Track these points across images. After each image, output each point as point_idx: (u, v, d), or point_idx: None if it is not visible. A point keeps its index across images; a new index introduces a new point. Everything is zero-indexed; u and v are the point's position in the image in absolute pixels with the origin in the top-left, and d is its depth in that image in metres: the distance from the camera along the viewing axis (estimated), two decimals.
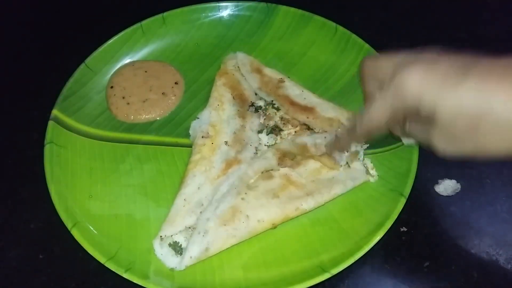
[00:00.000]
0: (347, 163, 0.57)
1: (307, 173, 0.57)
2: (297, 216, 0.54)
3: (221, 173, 0.57)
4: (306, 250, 0.53)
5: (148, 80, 0.69)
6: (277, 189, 0.55)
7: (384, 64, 0.45)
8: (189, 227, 0.54)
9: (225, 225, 0.52)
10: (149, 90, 0.68)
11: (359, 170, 0.57)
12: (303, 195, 0.55)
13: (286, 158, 0.58)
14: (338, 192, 0.56)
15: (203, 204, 0.55)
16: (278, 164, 0.57)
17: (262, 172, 0.57)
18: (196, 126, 0.62)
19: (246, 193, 0.54)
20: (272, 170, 0.57)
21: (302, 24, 0.73)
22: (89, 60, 0.69)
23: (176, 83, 0.69)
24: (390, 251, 0.55)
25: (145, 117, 0.66)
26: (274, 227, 0.54)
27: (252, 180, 0.56)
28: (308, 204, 0.54)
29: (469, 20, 0.79)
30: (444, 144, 0.42)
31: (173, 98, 0.68)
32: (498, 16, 0.80)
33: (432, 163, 0.61)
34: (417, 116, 0.42)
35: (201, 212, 0.54)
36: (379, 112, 0.44)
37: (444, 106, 0.39)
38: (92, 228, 0.54)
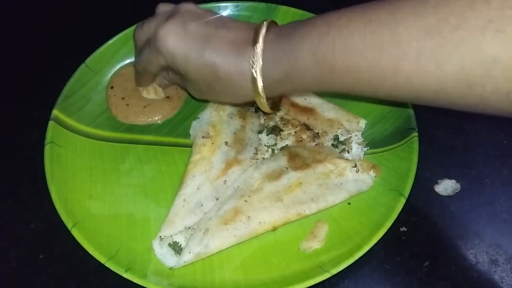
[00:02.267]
0: (355, 165, 0.57)
1: (316, 176, 0.57)
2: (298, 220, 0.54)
3: (221, 173, 0.57)
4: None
5: None
6: (282, 191, 0.55)
7: (147, 27, 0.55)
8: (189, 228, 0.54)
9: (226, 224, 0.52)
10: None
11: (366, 181, 0.57)
12: (307, 200, 0.54)
13: (297, 159, 0.58)
14: (342, 199, 0.56)
15: (203, 204, 0.55)
16: (288, 166, 0.57)
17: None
18: (197, 126, 0.62)
19: (249, 196, 0.54)
20: (281, 171, 0.57)
21: None
22: (89, 60, 0.69)
23: None
24: (390, 251, 0.55)
25: (145, 119, 0.66)
26: (274, 229, 0.54)
27: (257, 183, 0.56)
28: (310, 209, 0.54)
29: None
30: (194, 93, 0.56)
31: (176, 99, 0.67)
32: None
33: (432, 163, 0.61)
34: (175, 70, 0.53)
35: (201, 212, 0.54)
36: (146, 62, 0.55)
37: (191, 67, 0.49)
38: (92, 228, 0.54)
